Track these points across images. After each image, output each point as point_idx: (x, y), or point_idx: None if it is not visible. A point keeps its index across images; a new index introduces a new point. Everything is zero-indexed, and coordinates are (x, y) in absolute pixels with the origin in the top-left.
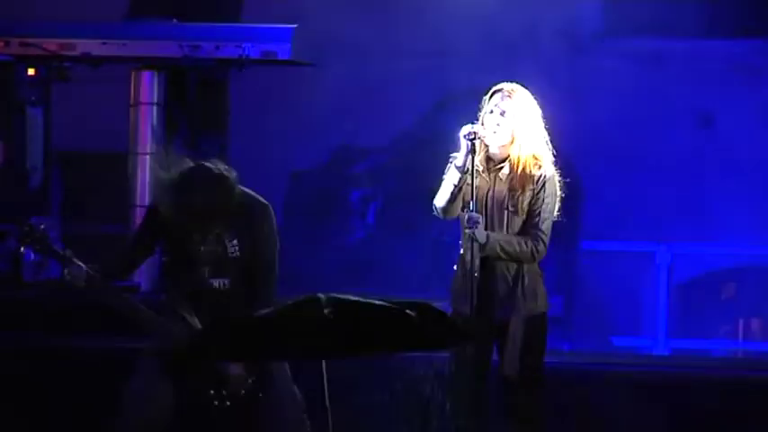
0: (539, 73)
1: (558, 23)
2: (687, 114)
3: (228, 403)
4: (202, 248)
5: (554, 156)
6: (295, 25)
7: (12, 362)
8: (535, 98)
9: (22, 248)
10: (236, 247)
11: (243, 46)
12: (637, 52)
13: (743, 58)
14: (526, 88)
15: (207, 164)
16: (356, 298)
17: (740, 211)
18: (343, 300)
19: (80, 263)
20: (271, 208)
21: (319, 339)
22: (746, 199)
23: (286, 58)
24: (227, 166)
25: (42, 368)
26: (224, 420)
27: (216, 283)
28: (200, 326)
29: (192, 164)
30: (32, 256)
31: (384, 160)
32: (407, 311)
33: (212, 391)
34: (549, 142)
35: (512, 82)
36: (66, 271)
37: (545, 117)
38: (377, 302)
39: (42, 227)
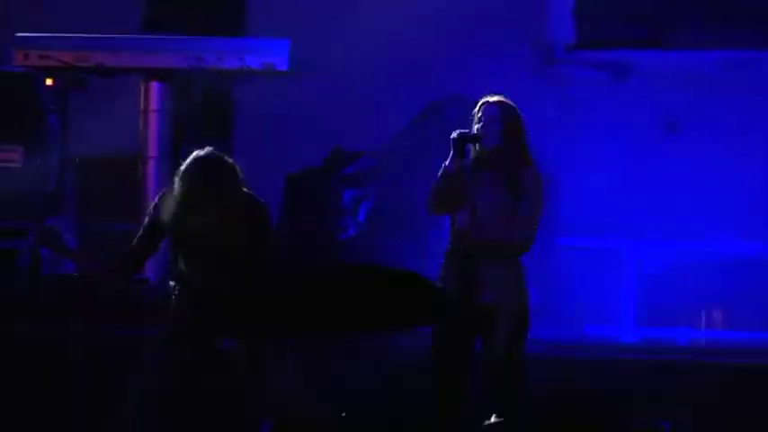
0: (518, 81)
1: (534, 37)
2: (652, 121)
3: (227, 377)
4: (204, 243)
5: (536, 159)
6: (292, 39)
7: (31, 349)
8: (518, 107)
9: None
10: (236, 243)
11: (244, 58)
12: (605, 63)
13: (702, 70)
14: (508, 96)
15: (219, 153)
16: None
17: (703, 211)
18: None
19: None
20: (267, 207)
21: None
22: (709, 200)
23: (284, 69)
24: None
25: (55, 354)
26: (223, 393)
27: (216, 276)
28: (200, 313)
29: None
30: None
31: (374, 162)
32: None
33: (212, 368)
34: (531, 147)
35: (493, 90)
36: (81, 269)
37: (526, 124)
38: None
39: (56, 228)
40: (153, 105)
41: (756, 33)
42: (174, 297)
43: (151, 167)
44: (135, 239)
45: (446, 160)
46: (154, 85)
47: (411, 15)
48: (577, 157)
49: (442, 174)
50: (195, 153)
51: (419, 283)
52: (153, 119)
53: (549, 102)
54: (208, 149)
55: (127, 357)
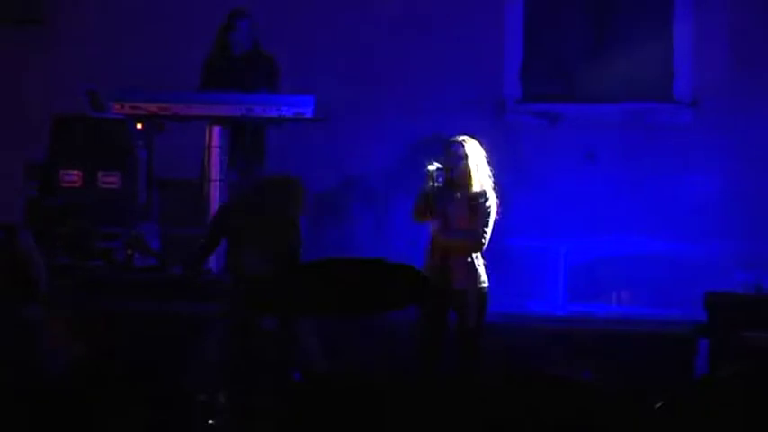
0: (479, 126)
1: (491, 92)
2: (577, 153)
3: (268, 349)
4: (252, 244)
5: (493, 181)
6: (315, 94)
7: (124, 321)
8: (480, 144)
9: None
10: (274, 245)
11: (281, 108)
12: (543, 112)
13: (614, 116)
14: (473, 137)
15: (279, 177)
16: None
17: (615, 217)
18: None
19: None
20: (299, 222)
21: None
22: (620, 209)
23: (310, 116)
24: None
25: (141, 326)
26: (265, 353)
27: (260, 268)
28: (248, 298)
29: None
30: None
31: (376, 184)
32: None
33: (257, 341)
34: (490, 174)
35: (463, 134)
36: (161, 263)
37: (486, 156)
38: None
39: (143, 233)
40: (215, 143)
41: (654, 89)
42: (230, 281)
43: (213, 187)
44: (204, 239)
45: (423, 184)
46: (215, 128)
47: (405, 73)
48: (523, 180)
49: (420, 193)
50: (260, 176)
51: (411, 272)
52: (214, 152)
53: (504, 141)
54: (272, 174)
55: (194, 328)
